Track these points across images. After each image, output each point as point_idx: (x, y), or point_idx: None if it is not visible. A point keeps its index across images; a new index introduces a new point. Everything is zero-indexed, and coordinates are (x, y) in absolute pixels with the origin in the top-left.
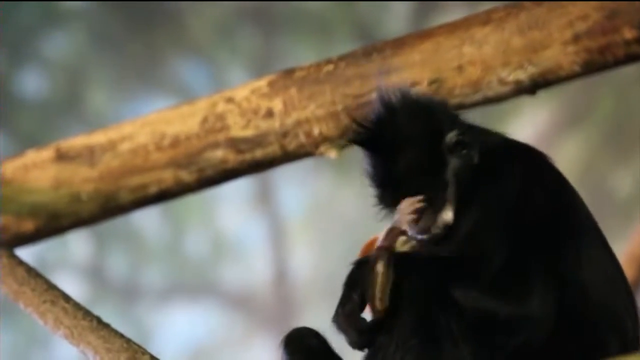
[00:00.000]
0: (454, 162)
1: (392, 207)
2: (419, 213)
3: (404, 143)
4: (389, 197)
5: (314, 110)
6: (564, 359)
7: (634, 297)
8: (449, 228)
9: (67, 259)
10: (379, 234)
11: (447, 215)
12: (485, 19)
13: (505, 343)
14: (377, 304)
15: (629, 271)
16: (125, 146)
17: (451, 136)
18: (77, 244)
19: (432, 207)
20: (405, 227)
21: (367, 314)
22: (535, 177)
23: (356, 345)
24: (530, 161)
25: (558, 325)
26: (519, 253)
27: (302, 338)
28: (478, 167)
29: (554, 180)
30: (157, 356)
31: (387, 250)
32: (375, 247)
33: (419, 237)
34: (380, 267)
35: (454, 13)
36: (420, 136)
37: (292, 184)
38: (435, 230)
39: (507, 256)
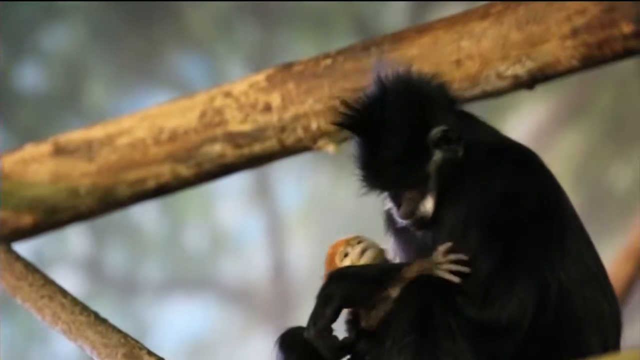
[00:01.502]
0: (437, 156)
1: (375, 190)
2: (403, 199)
3: (391, 130)
4: (372, 181)
5: (312, 104)
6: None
7: (616, 297)
8: (431, 218)
9: (65, 253)
10: (339, 240)
11: (428, 206)
12: (483, 14)
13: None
14: (374, 323)
15: (627, 264)
16: (123, 140)
17: (437, 131)
18: (75, 239)
19: (414, 195)
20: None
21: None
22: (522, 176)
23: (330, 358)
24: (518, 159)
25: (541, 325)
26: (502, 253)
27: (296, 337)
28: (465, 161)
29: (541, 180)
30: (155, 350)
31: (406, 280)
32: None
33: (400, 221)
34: (394, 293)
35: (453, 8)
36: (407, 126)
37: (290, 179)
38: (416, 217)
39: (490, 255)
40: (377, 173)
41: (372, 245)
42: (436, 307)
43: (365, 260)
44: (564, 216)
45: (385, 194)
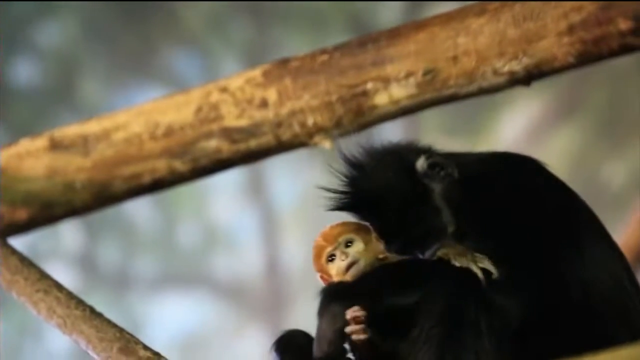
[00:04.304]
0: (436, 187)
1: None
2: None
3: (384, 195)
4: (400, 245)
5: (309, 100)
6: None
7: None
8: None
9: (59, 248)
10: (331, 231)
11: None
12: (480, 10)
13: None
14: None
15: None
16: (119, 135)
17: (421, 162)
18: (69, 234)
19: (436, 237)
20: None
21: None
22: (524, 179)
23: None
24: (517, 164)
25: (565, 322)
26: (517, 255)
27: (293, 340)
28: (464, 181)
29: (546, 180)
30: (149, 346)
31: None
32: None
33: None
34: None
35: (448, 4)
36: (396, 180)
37: (285, 175)
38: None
39: (507, 254)
40: (396, 236)
41: (360, 255)
42: (469, 304)
43: (348, 277)
44: (577, 213)
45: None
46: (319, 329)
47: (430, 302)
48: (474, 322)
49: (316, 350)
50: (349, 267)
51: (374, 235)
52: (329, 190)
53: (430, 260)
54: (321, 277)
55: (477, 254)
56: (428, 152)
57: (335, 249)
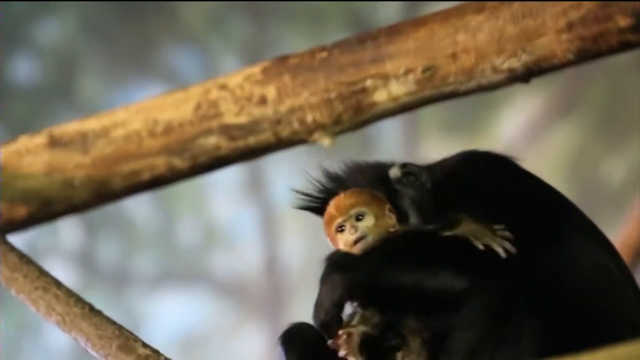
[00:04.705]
0: (408, 193)
1: None
2: None
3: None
4: None
5: (308, 97)
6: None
7: (632, 275)
8: None
9: (59, 245)
10: (344, 200)
11: None
12: (479, 7)
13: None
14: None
15: None
16: (118, 133)
17: (394, 170)
18: (68, 231)
19: None
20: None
21: None
22: (499, 177)
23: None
24: (489, 163)
25: (556, 314)
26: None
27: (299, 333)
28: (436, 189)
29: (521, 176)
30: (148, 343)
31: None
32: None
33: None
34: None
35: (447, 2)
36: (367, 184)
37: (285, 172)
38: None
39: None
40: None
41: (369, 231)
42: (517, 309)
43: (356, 250)
44: (559, 207)
45: None
46: (319, 295)
47: (479, 297)
48: (517, 322)
49: (314, 317)
50: (356, 242)
51: (387, 207)
52: (302, 193)
53: (442, 239)
54: (331, 240)
55: (497, 226)
56: (405, 164)
57: (345, 220)
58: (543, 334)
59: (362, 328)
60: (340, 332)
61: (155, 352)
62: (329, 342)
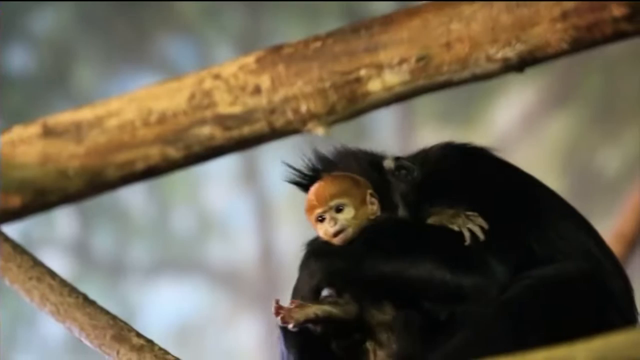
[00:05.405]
0: (399, 186)
1: None
2: None
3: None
4: None
5: (302, 86)
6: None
7: (617, 259)
8: None
9: (53, 235)
10: (324, 188)
11: None
12: None
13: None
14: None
15: (616, 249)
16: (112, 122)
17: (388, 162)
18: (63, 221)
19: None
20: None
21: None
22: (479, 168)
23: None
24: (473, 154)
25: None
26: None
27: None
28: (422, 182)
29: (498, 165)
30: (143, 333)
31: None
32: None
33: None
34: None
35: None
36: (361, 170)
37: (279, 162)
38: None
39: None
40: None
41: (349, 223)
42: (536, 316)
43: (336, 242)
44: (539, 195)
45: None
46: (297, 281)
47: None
48: (537, 329)
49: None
50: (336, 235)
51: (369, 192)
52: (292, 167)
53: (422, 227)
54: (312, 225)
55: (470, 213)
56: (398, 157)
57: (325, 212)
58: (533, 322)
59: (326, 308)
60: (291, 301)
61: (149, 342)
62: (272, 308)
